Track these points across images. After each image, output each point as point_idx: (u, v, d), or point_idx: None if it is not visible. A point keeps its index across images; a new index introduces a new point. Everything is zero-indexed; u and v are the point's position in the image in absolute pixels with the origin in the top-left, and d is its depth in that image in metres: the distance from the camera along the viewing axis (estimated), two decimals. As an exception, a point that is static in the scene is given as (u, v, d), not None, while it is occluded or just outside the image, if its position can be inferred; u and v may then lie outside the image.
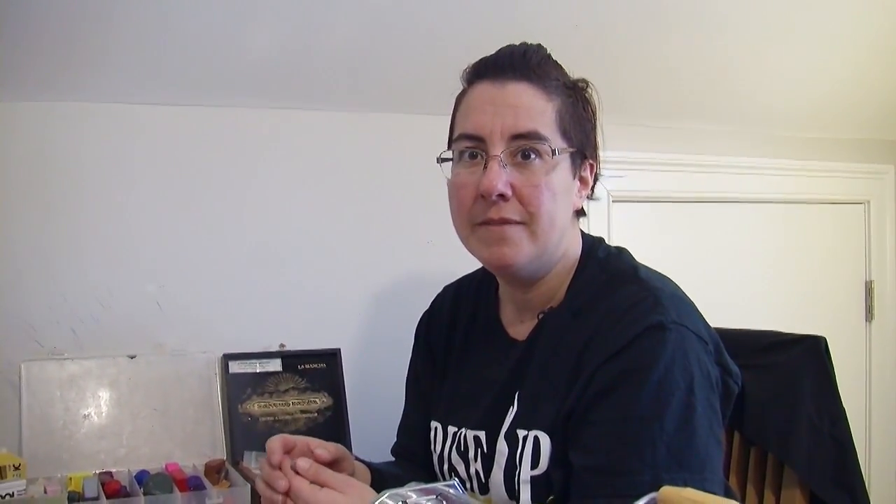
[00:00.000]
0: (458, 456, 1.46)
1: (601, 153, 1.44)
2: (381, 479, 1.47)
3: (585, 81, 1.41)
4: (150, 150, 2.11)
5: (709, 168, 2.75)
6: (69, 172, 2.04)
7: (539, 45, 1.38)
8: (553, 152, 1.31)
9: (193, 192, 2.15)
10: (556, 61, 1.39)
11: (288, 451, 1.30)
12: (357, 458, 1.52)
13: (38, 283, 2.00)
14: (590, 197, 1.44)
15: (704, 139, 2.74)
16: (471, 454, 1.42)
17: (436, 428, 1.53)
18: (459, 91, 1.42)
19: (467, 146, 1.34)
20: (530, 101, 1.32)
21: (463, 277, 1.67)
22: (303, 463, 1.26)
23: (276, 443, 1.31)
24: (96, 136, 2.06)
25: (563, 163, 1.34)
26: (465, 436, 1.44)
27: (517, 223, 1.31)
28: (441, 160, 1.40)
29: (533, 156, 1.31)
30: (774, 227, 2.90)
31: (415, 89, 2.24)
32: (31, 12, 1.79)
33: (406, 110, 2.30)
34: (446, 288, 1.69)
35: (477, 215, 1.33)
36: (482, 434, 1.41)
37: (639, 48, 2.34)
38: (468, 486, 1.43)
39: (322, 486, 1.23)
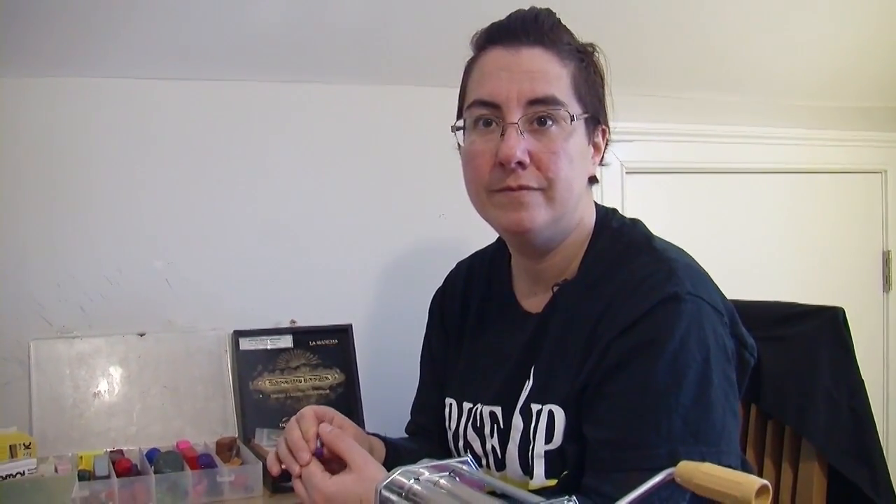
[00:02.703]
0: (473, 432, 1.44)
1: (611, 122, 1.42)
2: (397, 454, 1.46)
3: (593, 45, 1.39)
4: (158, 126, 2.09)
5: (723, 138, 2.72)
6: (76, 148, 2.02)
7: (549, 10, 1.35)
8: (571, 118, 1.29)
9: (202, 168, 2.13)
10: (565, 25, 1.36)
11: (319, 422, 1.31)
12: (373, 434, 1.51)
13: (46, 261, 1.99)
14: (601, 163, 1.42)
15: (719, 109, 2.70)
16: (486, 430, 1.41)
17: (451, 404, 1.52)
18: (469, 58, 1.39)
19: (482, 113, 1.32)
20: (545, 66, 1.30)
21: (476, 252, 1.66)
22: (324, 427, 1.28)
23: (309, 412, 1.33)
24: (104, 111, 2.04)
25: (579, 129, 1.32)
26: (480, 411, 1.43)
27: (535, 189, 1.29)
28: (455, 129, 1.37)
29: (550, 122, 1.29)
30: (790, 198, 2.87)
31: (425, 61, 2.21)
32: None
33: (417, 83, 2.28)
34: (459, 264, 1.68)
35: (494, 183, 1.31)
36: (498, 409, 1.40)
37: (651, 18, 2.31)
38: (484, 462, 1.42)
39: (337, 454, 1.24)
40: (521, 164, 1.28)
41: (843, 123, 2.89)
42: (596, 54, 1.39)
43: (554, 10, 1.36)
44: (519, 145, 1.27)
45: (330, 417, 1.35)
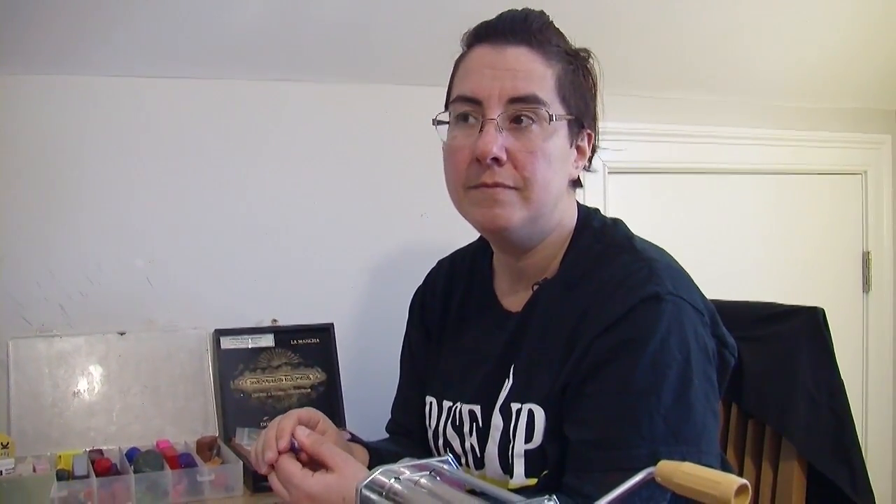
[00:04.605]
0: (452, 431, 1.44)
1: (600, 125, 1.42)
2: (380, 457, 1.45)
3: (587, 51, 1.39)
4: (139, 124, 2.08)
5: (705, 139, 2.72)
6: (59, 146, 2.01)
7: (541, 11, 1.36)
8: (550, 118, 1.29)
9: (184, 166, 2.12)
10: (557, 28, 1.37)
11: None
12: (354, 439, 1.51)
13: (26, 258, 1.98)
14: (586, 168, 1.42)
15: (701, 110, 2.71)
16: (466, 429, 1.41)
17: (431, 403, 1.52)
18: (458, 55, 1.40)
19: (464, 109, 1.32)
20: (529, 66, 1.30)
21: (457, 251, 1.65)
22: (301, 431, 1.26)
23: (293, 413, 1.31)
24: (88, 109, 2.03)
25: (561, 130, 1.32)
26: (460, 410, 1.43)
27: (510, 188, 1.29)
28: (437, 122, 1.38)
29: (530, 121, 1.29)
30: (771, 198, 2.88)
31: (408, 60, 2.21)
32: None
33: (400, 82, 2.27)
34: (440, 262, 1.68)
35: (471, 179, 1.31)
36: (477, 408, 1.39)
37: (633, 17, 2.31)
38: (463, 461, 1.42)
39: (317, 458, 1.23)
40: (497, 160, 1.27)
41: (823, 124, 2.90)
42: (590, 60, 1.39)
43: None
44: (496, 141, 1.27)
45: (315, 421, 1.34)
